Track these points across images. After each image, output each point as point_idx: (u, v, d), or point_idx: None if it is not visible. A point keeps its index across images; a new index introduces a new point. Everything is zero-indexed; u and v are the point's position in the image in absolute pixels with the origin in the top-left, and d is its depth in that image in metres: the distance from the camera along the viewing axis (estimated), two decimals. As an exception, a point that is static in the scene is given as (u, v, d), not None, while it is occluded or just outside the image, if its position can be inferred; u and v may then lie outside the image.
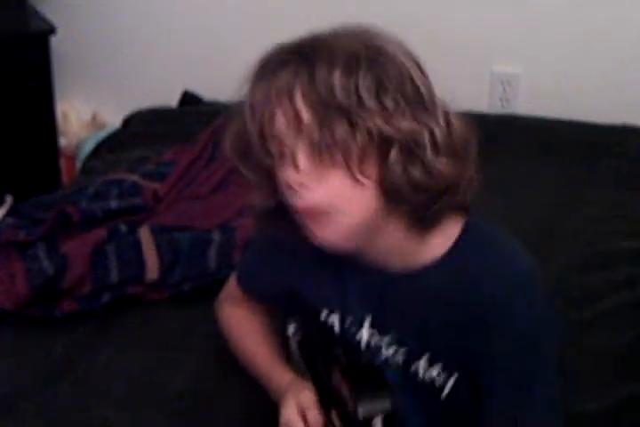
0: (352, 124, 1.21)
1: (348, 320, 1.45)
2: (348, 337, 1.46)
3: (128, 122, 3.05)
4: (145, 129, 2.96)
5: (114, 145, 2.90)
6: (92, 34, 3.36)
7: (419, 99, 1.26)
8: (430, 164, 1.24)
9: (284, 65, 1.25)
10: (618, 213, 2.48)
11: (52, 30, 3.08)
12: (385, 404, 1.35)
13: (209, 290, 2.09)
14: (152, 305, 2.08)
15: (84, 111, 3.40)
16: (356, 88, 1.21)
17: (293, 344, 1.60)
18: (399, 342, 1.40)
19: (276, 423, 1.67)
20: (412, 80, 1.26)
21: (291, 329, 1.61)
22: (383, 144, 1.23)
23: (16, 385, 1.84)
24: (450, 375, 1.36)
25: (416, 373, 1.39)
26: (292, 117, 1.23)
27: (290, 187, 1.27)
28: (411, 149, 1.23)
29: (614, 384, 1.78)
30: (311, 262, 1.47)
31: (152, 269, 2.08)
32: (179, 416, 1.75)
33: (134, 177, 2.43)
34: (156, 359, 1.91)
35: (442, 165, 1.25)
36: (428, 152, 1.24)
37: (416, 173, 1.24)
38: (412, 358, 1.39)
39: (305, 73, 1.23)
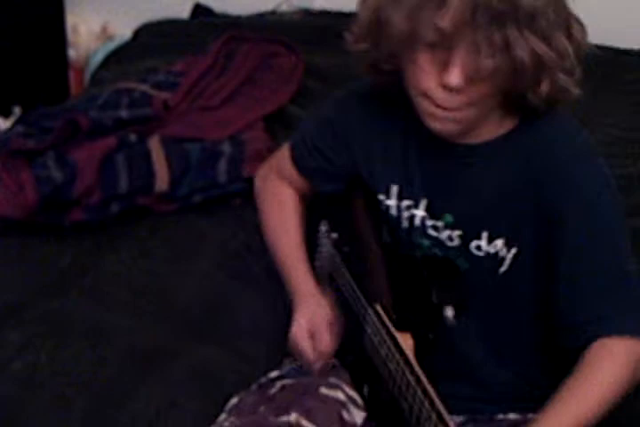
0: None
1: (404, 204, 1.44)
2: (402, 222, 1.45)
3: (138, 34, 3.00)
4: (155, 41, 2.90)
5: (123, 56, 2.85)
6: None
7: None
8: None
9: None
10: (634, 136, 2.45)
11: (62, -60, 3.02)
12: (458, 293, 1.36)
13: (218, 202, 2.09)
14: (161, 216, 2.06)
15: (94, 23, 3.34)
16: None
17: (327, 243, 1.58)
18: (453, 226, 1.39)
19: (282, 339, 1.67)
20: None
21: (323, 228, 1.60)
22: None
23: (24, 293, 1.83)
24: (509, 250, 1.36)
25: (474, 250, 1.38)
26: (463, 21, 1.18)
27: (444, 87, 1.23)
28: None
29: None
30: (379, 142, 1.46)
31: (162, 179, 2.06)
32: (185, 326, 1.75)
33: (144, 87, 2.39)
34: (164, 270, 1.90)
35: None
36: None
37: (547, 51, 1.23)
38: (469, 237, 1.38)
39: None
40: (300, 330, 1.47)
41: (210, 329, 1.74)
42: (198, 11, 3.18)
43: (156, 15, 3.07)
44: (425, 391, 1.21)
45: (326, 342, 1.46)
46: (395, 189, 1.44)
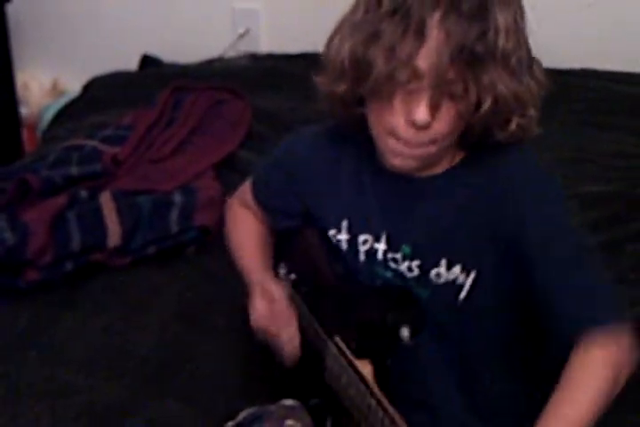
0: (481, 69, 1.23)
1: (362, 238, 1.45)
2: (359, 256, 1.47)
3: (88, 87, 3.02)
4: (105, 94, 2.92)
5: (74, 112, 2.86)
6: (48, 0, 3.32)
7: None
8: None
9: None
10: (580, 156, 2.48)
11: (7, -2, 3.04)
12: (414, 314, 1.38)
13: (172, 252, 2.10)
14: (116, 271, 2.06)
15: (45, 79, 3.36)
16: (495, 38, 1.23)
17: (286, 285, 1.60)
18: (412, 257, 1.41)
19: (242, 389, 1.68)
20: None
21: (281, 271, 1.62)
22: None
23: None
24: (468, 275, 1.37)
25: (433, 279, 1.39)
26: (433, 57, 1.22)
27: (411, 124, 1.27)
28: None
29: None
30: (328, 179, 1.49)
31: (114, 234, 2.06)
32: (144, 381, 1.74)
33: (94, 142, 2.41)
34: (120, 325, 1.89)
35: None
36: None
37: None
38: (428, 266, 1.39)
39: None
40: (257, 312, 1.52)
41: (168, 383, 1.74)
42: (146, 62, 3.20)
43: (106, 68, 3.09)
44: (385, 411, 1.24)
45: (283, 312, 1.51)
46: (345, 223, 1.47)
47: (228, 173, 2.38)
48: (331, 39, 1.33)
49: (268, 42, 3.21)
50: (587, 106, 2.73)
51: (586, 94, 2.77)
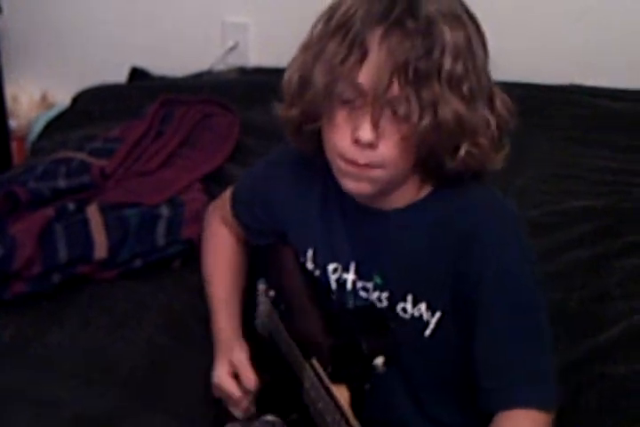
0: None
1: (331, 267, 1.46)
2: (330, 283, 1.47)
3: (77, 100, 3.01)
4: (93, 107, 2.92)
5: (63, 124, 2.86)
6: (38, 13, 3.32)
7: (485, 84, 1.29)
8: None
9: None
10: (566, 172, 2.49)
11: (-3, 11, 3.05)
12: (388, 342, 1.37)
13: (158, 266, 2.10)
14: (102, 283, 2.06)
15: (34, 91, 3.36)
16: (440, 57, 1.22)
17: (265, 301, 1.60)
18: (382, 288, 1.41)
19: (225, 404, 1.67)
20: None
21: (261, 286, 1.62)
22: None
23: (-32, 368, 1.83)
24: (433, 314, 1.37)
25: (400, 313, 1.39)
26: (374, 74, 1.21)
27: (356, 143, 1.26)
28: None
29: (563, 345, 1.78)
30: (298, 206, 1.50)
31: (100, 247, 2.06)
32: (130, 394, 1.75)
33: (82, 155, 2.41)
34: (108, 337, 1.89)
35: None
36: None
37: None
38: (395, 299, 1.39)
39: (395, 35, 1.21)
40: (221, 373, 1.53)
41: (154, 395, 1.74)
42: (136, 74, 3.21)
43: (95, 80, 3.09)
44: None
45: (249, 379, 1.51)
46: (310, 253, 1.47)
47: (216, 186, 2.38)
48: (290, 62, 1.34)
49: (257, 56, 3.22)
50: (573, 121, 2.74)
51: (572, 110, 2.78)
